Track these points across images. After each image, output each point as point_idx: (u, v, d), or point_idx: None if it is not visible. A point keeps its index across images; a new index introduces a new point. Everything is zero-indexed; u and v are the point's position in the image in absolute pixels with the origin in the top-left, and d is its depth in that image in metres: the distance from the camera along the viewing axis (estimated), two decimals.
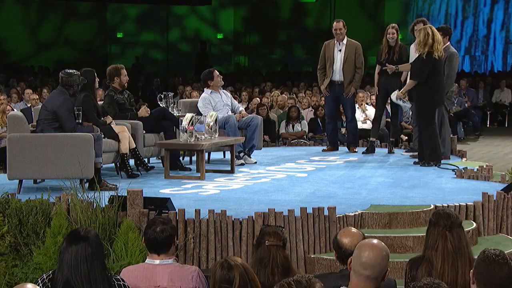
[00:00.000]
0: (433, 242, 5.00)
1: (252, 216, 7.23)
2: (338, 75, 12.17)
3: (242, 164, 10.94)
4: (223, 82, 11.69)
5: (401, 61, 11.59)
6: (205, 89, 11.62)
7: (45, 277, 4.41)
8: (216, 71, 11.67)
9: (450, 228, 5.03)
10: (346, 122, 12.78)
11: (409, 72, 11.01)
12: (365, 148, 12.41)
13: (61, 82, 9.14)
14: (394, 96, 10.93)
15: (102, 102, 10.74)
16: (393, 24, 11.98)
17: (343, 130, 14.37)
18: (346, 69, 12.10)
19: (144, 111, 10.68)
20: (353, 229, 5.21)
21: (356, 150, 12.41)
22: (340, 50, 12.11)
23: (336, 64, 12.13)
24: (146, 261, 5.21)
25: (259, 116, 12.16)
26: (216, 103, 11.37)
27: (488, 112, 22.74)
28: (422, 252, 5.13)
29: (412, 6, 31.83)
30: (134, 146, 9.96)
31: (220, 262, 4.29)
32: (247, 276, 4.27)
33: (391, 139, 12.57)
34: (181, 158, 10.97)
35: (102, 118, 9.97)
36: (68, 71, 9.20)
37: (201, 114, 10.68)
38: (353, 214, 7.62)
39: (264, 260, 5.02)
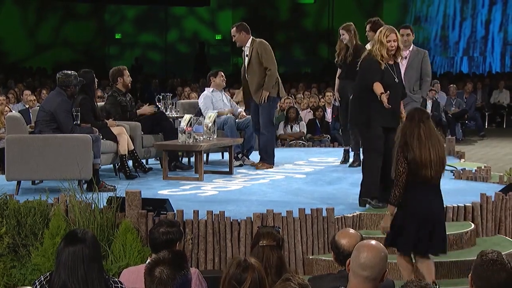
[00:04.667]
0: (411, 131, 6.27)
1: (251, 217, 7.24)
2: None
3: (240, 165, 10.93)
4: (225, 85, 11.60)
5: (355, 62, 10.16)
6: (206, 88, 11.65)
7: (42, 278, 4.40)
8: (222, 72, 11.67)
9: (423, 120, 6.30)
10: (260, 133, 10.82)
11: None
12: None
13: (59, 83, 9.14)
14: None
15: (104, 102, 10.75)
16: (345, 24, 10.82)
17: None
18: (251, 72, 10.56)
19: (148, 109, 10.70)
20: (351, 230, 5.21)
21: (266, 167, 10.64)
22: (247, 55, 10.64)
23: (246, 71, 10.67)
24: (147, 261, 5.20)
25: None
26: (216, 101, 11.38)
27: (487, 113, 22.76)
28: (401, 141, 6.28)
29: (410, 7, 31.85)
30: (133, 147, 9.95)
31: (239, 260, 4.24)
32: (258, 283, 4.25)
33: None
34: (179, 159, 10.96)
35: (103, 120, 9.97)
36: (66, 72, 9.19)
37: (199, 115, 10.65)
38: (351, 215, 7.63)
39: (258, 260, 4.97)
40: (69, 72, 9.20)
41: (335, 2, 31.23)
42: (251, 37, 10.60)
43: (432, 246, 6.40)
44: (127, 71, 10.76)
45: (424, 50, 10.35)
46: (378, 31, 7.92)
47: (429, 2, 31.49)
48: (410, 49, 10.07)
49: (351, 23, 10.77)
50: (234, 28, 10.65)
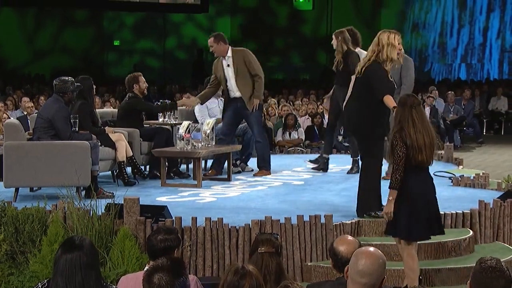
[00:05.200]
0: (404, 117, 6.47)
1: (249, 224, 7.22)
2: (235, 92, 10.57)
3: (239, 172, 10.93)
4: (221, 93, 11.57)
5: (345, 68, 10.28)
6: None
7: (40, 286, 4.39)
8: None
9: (414, 106, 6.50)
10: (254, 141, 10.92)
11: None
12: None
13: (56, 89, 9.13)
14: None
15: (126, 102, 10.82)
16: (337, 30, 10.73)
17: (340, 138, 14.36)
18: (240, 82, 10.52)
19: (189, 101, 10.91)
20: (349, 237, 5.20)
21: (264, 174, 10.66)
22: (228, 65, 10.51)
23: (230, 81, 10.54)
24: (145, 269, 5.19)
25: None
26: (212, 109, 11.38)
27: (485, 120, 22.77)
28: (397, 126, 6.48)
29: (408, 14, 31.90)
30: (131, 154, 9.96)
31: (237, 266, 4.23)
32: None
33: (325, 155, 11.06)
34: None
35: (102, 126, 9.99)
36: (62, 78, 9.20)
37: (197, 122, 10.65)
38: (349, 222, 7.62)
39: (257, 267, 4.92)
40: (66, 78, 9.20)
41: (333, 9, 31.27)
42: (230, 46, 10.54)
43: (433, 229, 6.60)
44: (143, 77, 10.82)
45: (409, 58, 10.26)
46: (385, 35, 7.89)
47: (427, 9, 31.54)
48: None
49: (344, 29, 10.65)
50: (212, 39, 10.49)
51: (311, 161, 11.16)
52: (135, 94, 10.71)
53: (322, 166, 10.99)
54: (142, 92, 10.76)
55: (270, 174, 10.67)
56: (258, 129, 10.67)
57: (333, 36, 10.57)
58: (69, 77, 9.26)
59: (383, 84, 7.72)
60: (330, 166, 11.33)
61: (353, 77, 9.65)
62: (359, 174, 8.10)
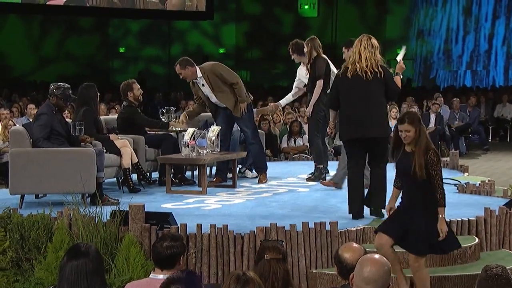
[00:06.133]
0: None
1: (254, 231, 7.21)
2: (221, 104, 10.56)
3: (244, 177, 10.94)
4: None
5: (313, 75, 10.46)
6: None
7: None
8: None
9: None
10: (247, 144, 10.89)
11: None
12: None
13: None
14: None
15: (121, 112, 10.85)
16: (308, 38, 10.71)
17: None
18: (220, 95, 10.46)
19: (180, 123, 10.72)
20: (354, 244, 5.19)
21: (265, 177, 10.69)
22: (203, 85, 10.46)
23: (211, 98, 10.52)
24: (150, 276, 5.18)
25: (261, 131, 12.15)
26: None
27: (490, 127, 22.71)
28: (431, 144, 6.55)
29: (414, 21, 31.85)
30: (136, 160, 9.96)
31: (237, 274, 4.21)
32: None
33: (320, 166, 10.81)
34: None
35: (106, 133, 10.00)
36: (57, 83, 9.30)
37: (203, 129, 10.56)
38: (355, 229, 7.61)
39: (265, 274, 4.97)
40: (61, 84, 9.28)
41: (338, 16, 31.25)
42: (197, 67, 10.44)
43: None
44: (137, 84, 10.76)
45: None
46: (372, 41, 8.08)
47: (432, 16, 31.48)
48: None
49: (314, 36, 10.74)
50: (178, 66, 10.37)
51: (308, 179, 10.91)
52: (130, 101, 10.67)
53: (319, 177, 10.67)
54: (136, 99, 10.70)
55: (266, 175, 10.71)
56: (251, 131, 10.67)
57: (305, 43, 10.60)
58: (65, 84, 9.30)
59: (395, 85, 8.10)
60: (334, 173, 11.27)
61: (318, 82, 10.19)
62: (380, 175, 8.22)
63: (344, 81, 8.15)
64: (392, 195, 6.86)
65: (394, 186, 6.85)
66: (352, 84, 8.08)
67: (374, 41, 8.13)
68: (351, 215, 8.19)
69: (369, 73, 8.00)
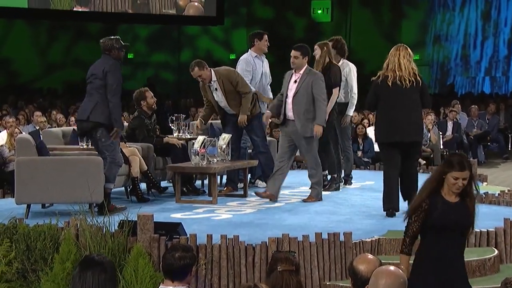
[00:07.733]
0: None
1: (266, 242, 7.14)
2: (231, 111, 10.49)
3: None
4: (267, 51, 11.14)
5: (328, 82, 10.05)
6: (249, 50, 11.16)
7: None
8: (266, 36, 11.23)
9: None
10: (256, 153, 10.77)
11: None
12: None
13: (102, 48, 9.39)
14: None
15: (129, 123, 10.81)
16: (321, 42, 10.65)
17: (359, 153, 14.21)
18: (232, 103, 10.42)
19: (176, 141, 10.58)
20: (370, 256, 5.07)
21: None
22: (216, 89, 10.42)
23: (222, 103, 10.47)
24: (159, 287, 5.07)
25: (273, 139, 12.04)
26: (256, 69, 11.00)
27: (510, 135, 22.36)
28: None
29: (430, 26, 31.43)
30: (146, 168, 9.85)
31: (249, 286, 4.22)
32: None
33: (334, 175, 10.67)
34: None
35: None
36: (107, 37, 9.47)
37: (212, 137, 10.40)
38: (369, 239, 7.54)
39: (277, 286, 4.93)
40: (111, 36, 9.49)
41: (352, 20, 30.97)
42: (211, 69, 10.42)
43: None
44: (150, 92, 10.75)
45: (317, 72, 10.02)
46: (409, 50, 8.67)
47: (450, 21, 31.07)
48: (301, 71, 9.88)
49: (327, 41, 10.69)
50: (196, 68, 10.26)
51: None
52: (143, 110, 10.58)
53: (334, 187, 10.58)
54: (150, 108, 10.65)
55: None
56: (260, 139, 10.63)
57: (317, 47, 10.52)
58: (115, 36, 9.48)
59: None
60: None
61: (334, 90, 10.19)
62: (414, 176, 8.74)
63: (384, 88, 8.66)
64: (404, 267, 5.54)
65: (403, 252, 5.71)
66: (392, 91, 8.61)
67: (410, 50, 8.75)
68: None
69: (407, 81, 8.59)
